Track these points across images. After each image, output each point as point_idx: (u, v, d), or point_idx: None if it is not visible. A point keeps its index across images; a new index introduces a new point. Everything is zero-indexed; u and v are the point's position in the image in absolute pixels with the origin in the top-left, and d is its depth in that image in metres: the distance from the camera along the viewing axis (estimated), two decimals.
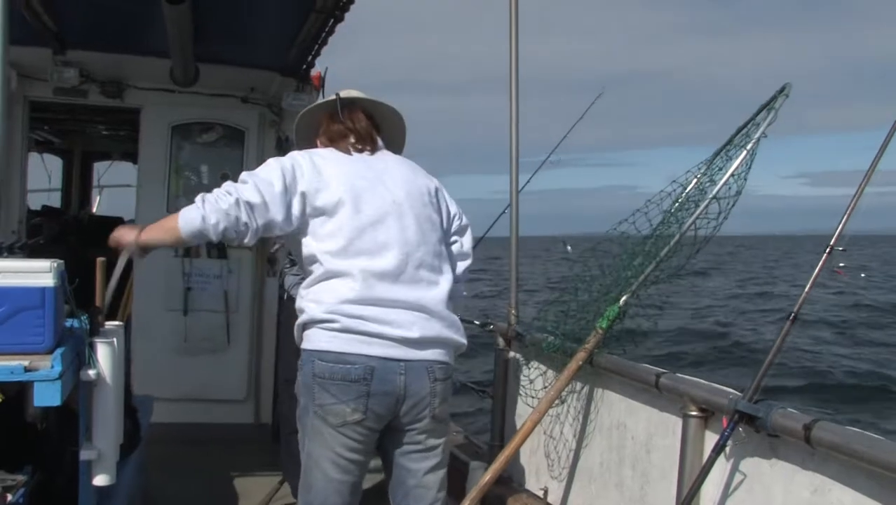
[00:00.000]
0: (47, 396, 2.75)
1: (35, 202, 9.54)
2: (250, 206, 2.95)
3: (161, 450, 5.16)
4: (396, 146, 3.38)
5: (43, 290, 2.85)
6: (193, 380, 6.51)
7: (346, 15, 4.97)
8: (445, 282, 3.11)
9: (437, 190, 3.25)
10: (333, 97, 3.30)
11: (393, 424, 3.04)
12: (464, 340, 3.15)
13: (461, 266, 3.31)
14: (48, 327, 2.84)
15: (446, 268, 3.15)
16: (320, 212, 3.03)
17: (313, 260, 3.05)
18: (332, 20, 5.07)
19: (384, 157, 3.24)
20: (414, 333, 2.98)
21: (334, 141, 3.23)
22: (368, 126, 3.25)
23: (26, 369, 2.74)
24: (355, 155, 3.19)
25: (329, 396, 2.96)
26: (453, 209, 3.31)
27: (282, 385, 4.68)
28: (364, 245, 3.00)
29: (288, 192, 3.00)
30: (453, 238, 3.29)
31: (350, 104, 3.28)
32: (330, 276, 3.01)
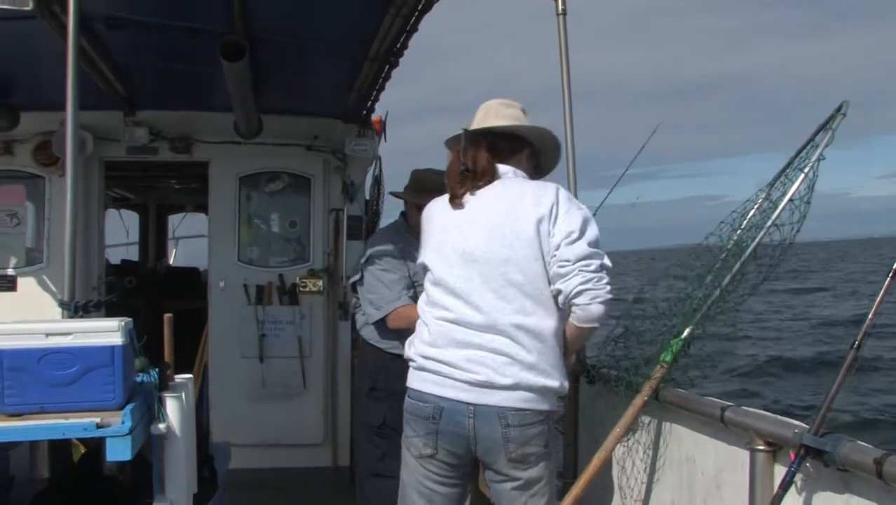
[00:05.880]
0: (118, 450, 2.84)
1: (115, 257, 9.89)
2: None
3: (241, 496, 5.23)
4: (549, 160, 3.47)
5: (112, 348, 2.95)
6: (271, 425, 6.63)
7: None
8: (535, 324, 3.05)
9: (539, 221, 3.07)
10: (461, 131, 3.28)
11: (480, 461, 3.13)
12: (553, 383, 3.05)
13: (565, 285, 3.01)
14: (118, 384, 2.94)
15: (538, 309, 3.06)
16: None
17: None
18: (387, 66, 5.17)
19: (486, 194, 3.20)
20: (481, 377, 3.02)
21: (451, 183, 3.29)
22: (485, 162, 3.23)
23: (98, 426, 2.84)
24: (450, 209, 3.27)
25: (410, 429, 3.20)
26: (558, 233, 3.06)
27: (357, 428, 4.66)
28: (439, 295, 3.18)
29: None
30: (553, 256, 3.04)
31: (475, 136, 3.27)
32: (420, 322, 3.27)
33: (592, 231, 3.09)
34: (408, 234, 4.39)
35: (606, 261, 3.08)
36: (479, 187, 3.21)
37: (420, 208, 4.30)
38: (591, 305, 3.01)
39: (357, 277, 4.42)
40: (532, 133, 3.36)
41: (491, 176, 3.22)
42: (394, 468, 4.13)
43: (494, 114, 3.32)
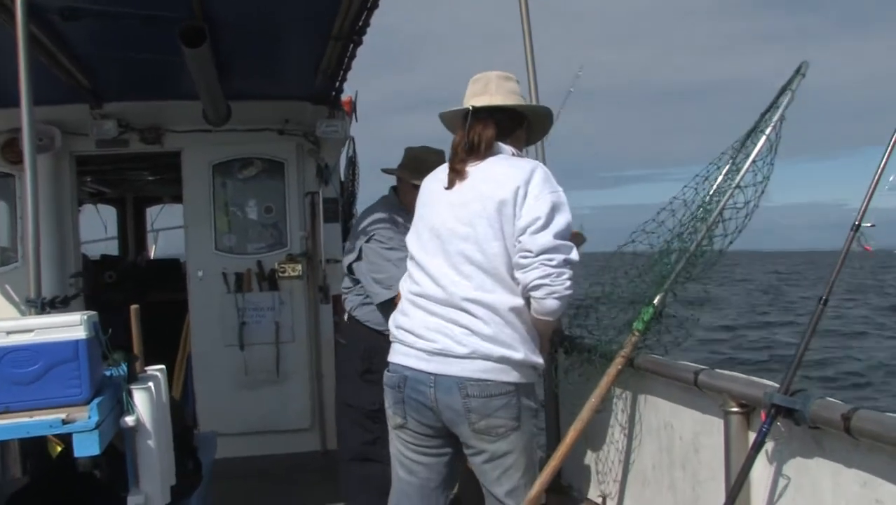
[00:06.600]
0: (86, 446, 2.81)
1: (95, 252, 9.82)
2: None
3: (230, 485, 5.21)
4: (540, 133, 3.58)
5: (76, 342, 2.92)
6: (257, 412, 6.60)
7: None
8: (494, 301, 3.03)
9: (502, 202, 3.03)
10: (468, 107, 3.24)
11: (453, 432, 3.17)
12: (514, 355, 3.03)
13: (523, 277, 2.99)
14: (84, 379, 2.90)
15: (497, 287, 3.04)
16: None
17: None
18: (351, 45, 5.10)
19: (471, 173, 3.17)
20: (438, 345, 3.07)
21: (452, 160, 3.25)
22: (489, 139, 3.18)
23: (64, 422, 2.81)
24: (436, 186, 3.27)
25: (387, 401, 3.32)
26: (524, 217, 3.01)
27: (342, 410, 4.57)
28: (412, 270, 3.28)
29: None
30: (518, 241, 3.01)
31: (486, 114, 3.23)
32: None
33: (561, 220, 3.02)
34: (402, 211, 4.33)
35: (573, 255, 3.03)
36: (469, 164, 3.18)
37: (415, 187, 4.25)
38: (546, 299, 3.00)
39: (354, 256, 4.33)
40: (537, 113, 3.47)
41: (488, 153, 3.18)
42: (384, 453, 4.08)
43: (496, 88, 3.28)
